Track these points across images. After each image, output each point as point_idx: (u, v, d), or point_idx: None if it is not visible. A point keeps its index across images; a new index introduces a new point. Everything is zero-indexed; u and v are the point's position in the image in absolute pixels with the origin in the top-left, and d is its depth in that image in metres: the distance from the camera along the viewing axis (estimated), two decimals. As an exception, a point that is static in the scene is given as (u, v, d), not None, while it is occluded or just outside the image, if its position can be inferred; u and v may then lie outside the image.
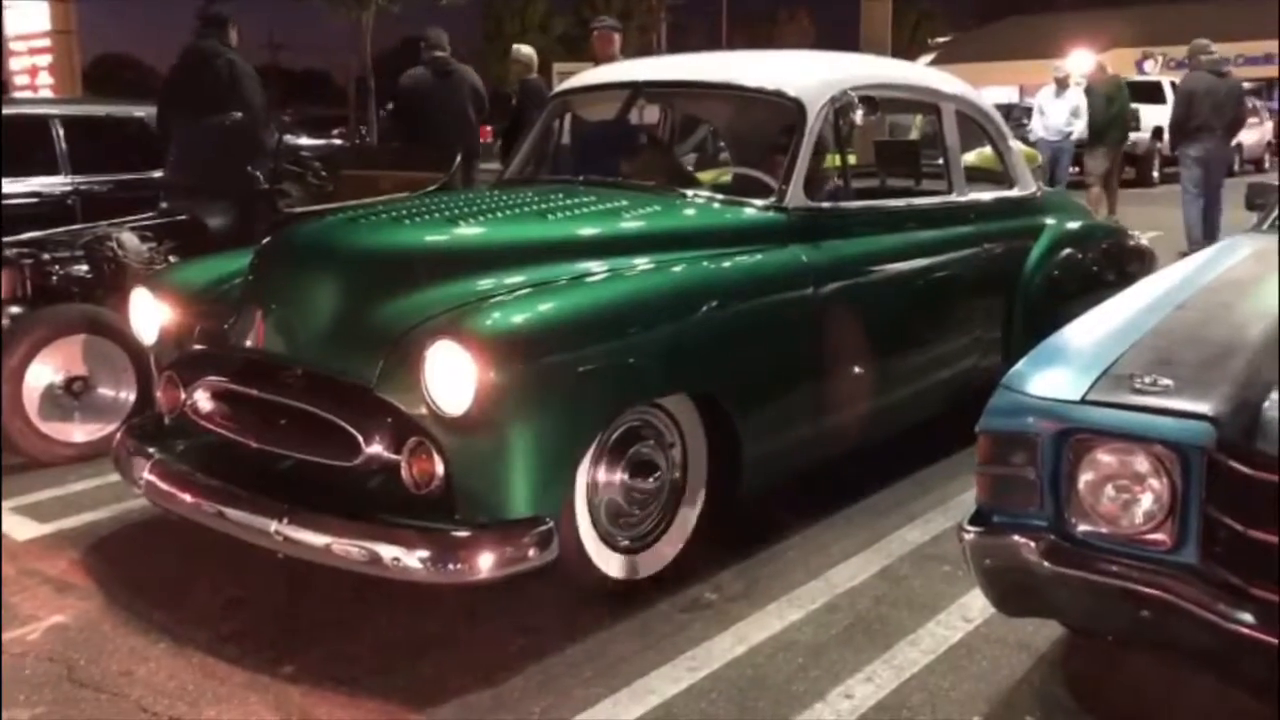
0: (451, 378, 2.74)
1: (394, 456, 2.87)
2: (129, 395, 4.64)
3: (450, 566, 2.74)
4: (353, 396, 2.95)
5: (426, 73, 7.59)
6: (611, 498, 3.15)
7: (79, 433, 4.58)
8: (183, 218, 5.38)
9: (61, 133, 6.93)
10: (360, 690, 2.78)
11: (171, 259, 5.11)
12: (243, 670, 2.87)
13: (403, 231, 3.37)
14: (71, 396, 4.56)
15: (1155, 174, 18.26)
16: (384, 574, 2.78)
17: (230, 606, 3.21)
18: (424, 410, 2.80)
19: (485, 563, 2.74)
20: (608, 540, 3.16)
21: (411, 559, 2.73)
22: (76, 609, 3.24)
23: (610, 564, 3.17)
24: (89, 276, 4.87)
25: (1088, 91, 12.14)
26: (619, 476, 3.15)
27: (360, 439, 2.88)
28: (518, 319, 2.91)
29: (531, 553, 2.80)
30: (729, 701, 2.74)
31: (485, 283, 3.08)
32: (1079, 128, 12.84)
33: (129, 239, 4.99)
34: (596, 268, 3.28)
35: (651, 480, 3.23)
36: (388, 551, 2.74)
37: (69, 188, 6.82)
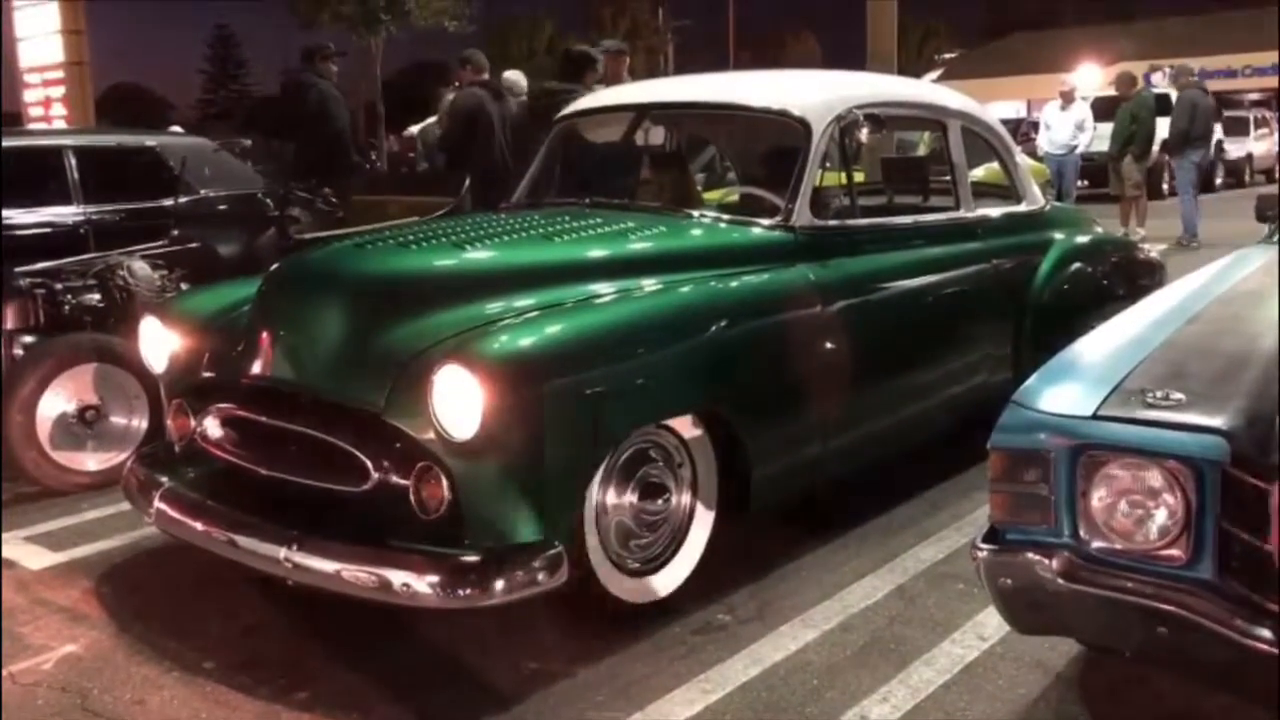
0: (459, 402, 2.74)
1: (402, 482, 2.86)
2: (141, 423, 4.65)
3: (460, 591, 2.73)
4: (361, 422, 2.95)
5: (485, 94, 7.62)
6: (621, 520, 3.15)
7: (92, 461, 4.60)
8: (194, 245, 5.41)
9: (73, 163, 6.98)
10: (373, 718, 2.77)
11: (183, 286, 5.14)
12: (255, 699, 2.86)
13: (409, 257, 3.38)
14: (84, 425, 4.58)
15: (1165, 186, 18.24)
16: (394, 600, 2.77)
17: (243, 634, 3.20)
18: (432, 435, 2.80)
19: (495, 587, 2.73)
20: (618, 563, 3.15)
21: (421, 584, 2.72)
22: (89, 638, 3.24)
23: (621, 587, 3.15)
24: (101, 305, 4.89)
25: (1117, 104, 12.27)
26: (628, 499, 3.14)
27: (369, 464, 2.89)
28: (525, 342, 2.91)
29: (541, 576, 2.78)
30: (743, 724, 2.72)
31: (492, 306, 3.08)
32: (1084, 141, 12.92)
33: (140, 267, 5.01)
34: (604, 289, 3.28)
35: (661, 502, 3.22)
36: (397, 577, 2.74)
37: (81, 217, 6.86)
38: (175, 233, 5.59)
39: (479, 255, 3.42)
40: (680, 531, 3.32)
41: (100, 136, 8.25)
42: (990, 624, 3.11)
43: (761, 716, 2.75)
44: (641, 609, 3.21)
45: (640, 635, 3.14)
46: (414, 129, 12.44)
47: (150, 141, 7.49)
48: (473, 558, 2.77)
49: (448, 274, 3.30)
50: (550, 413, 2.84)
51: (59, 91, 13.05)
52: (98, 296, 4.90)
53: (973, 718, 2.73)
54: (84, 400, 4.56)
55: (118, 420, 4.65)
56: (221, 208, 6.67)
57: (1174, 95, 18.72)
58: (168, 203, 6.35)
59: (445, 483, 2.80)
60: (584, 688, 2.89)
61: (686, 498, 3.32)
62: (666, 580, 3.28)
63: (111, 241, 5.71)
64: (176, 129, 14.24)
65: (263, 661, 3.04)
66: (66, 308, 4.81)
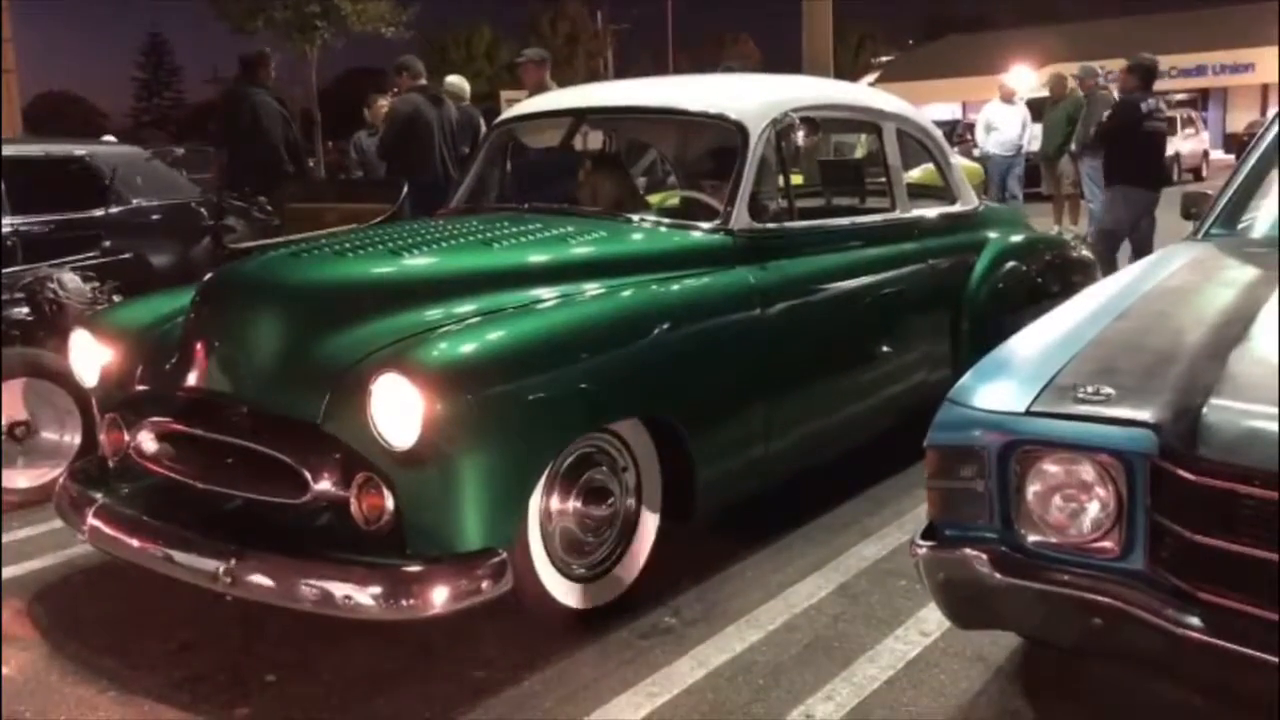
0: (398, 412, 2.71)
1: (342, 493, 2.83)
2: (73, 439, 4.55)
3: (403, 602, 2.70)
4: (299, 433, 2.91)
5: (422, 100, 7.55)
6: (565, 526, 3.14)
7: (22, 479, 4.48)
8: (126, 256, 5.32)
9: (-1, 173, 6.81)
10: (316, 731, 2.74)
11: (115, 299, 5.05)
12: (195, 716, 2.81)
13: (345, 264, 3.34)
14: (14, 441, 4.47)
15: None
16: (336, 612, 2.74)
17: (181, 651, 3.14)
18: (371, 445, 2.77)
19: (438, 597, 2.71)
20: (563, 569, 3.14)
21: (363, 596, 2.69)
22: (21, 659, 3.16)
23: (567, 593, 3.15)
24: (30, 319, 4.78)
25: (1051, 106, 12.33)
26: (572, 504, 3.14)
27: (308, 476, 2.85)
28: (464, 350, 2.89)
29: (485, 585, 2.77)
30: (690, 726, 2.73)
31: (431, 313, 3.06)
32: (1027, 140, 12.93)
33: (70, 279, 4.91)
34: (544, 295, 3.27)
35: (605, 506, 3.22)
36: (339, 589, 2.71)
37: (8, 229, 6.70)
38: (107, 244, 5.50)
39: (416, 262, 3.39)
40: (625, 536, 3.32)
41: (28, 146, 8.07)
42: (932, 619, 3.15)
43: (708, 718, 2.76)
44: (587, 614, 3.20)
45: (586, 640, 3.13)
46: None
47: (80, 151, 7.33)
48: (415, 568, 2.74)
49: (384, 281, 3.27)
50: (491, 421, 2.83)
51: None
52: (26, 310, 4.79)
53: (916, 713, 2.76)
54: (13, 416, 4.46)
55: (49, 436, 4.55)
56: (155, 218, 6.57)
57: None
58: (99, 213, 6.24)
59: (386, 493, 2.77)
60: (530, 695, 2.88)
61: (631, 501, 3.32)
62: (612, 585, 3.28)
63: (41, 253, 5.59)
64: (110, 138, 13.97)
65: (201, 678, 2.99)
66: (-6, 322, 4.70)
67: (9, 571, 3.80)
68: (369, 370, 2.80)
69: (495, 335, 3.00)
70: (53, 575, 3.76)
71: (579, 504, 3.15)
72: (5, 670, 3.10)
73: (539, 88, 7.44)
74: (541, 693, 2.89)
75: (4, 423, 4.44)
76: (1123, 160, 8.53)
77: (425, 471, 2.75)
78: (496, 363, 2.91)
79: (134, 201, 6.81)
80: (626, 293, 3.41)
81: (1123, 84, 8.66)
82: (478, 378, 2.83)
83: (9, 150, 7.23)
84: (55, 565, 3.83)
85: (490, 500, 2.83)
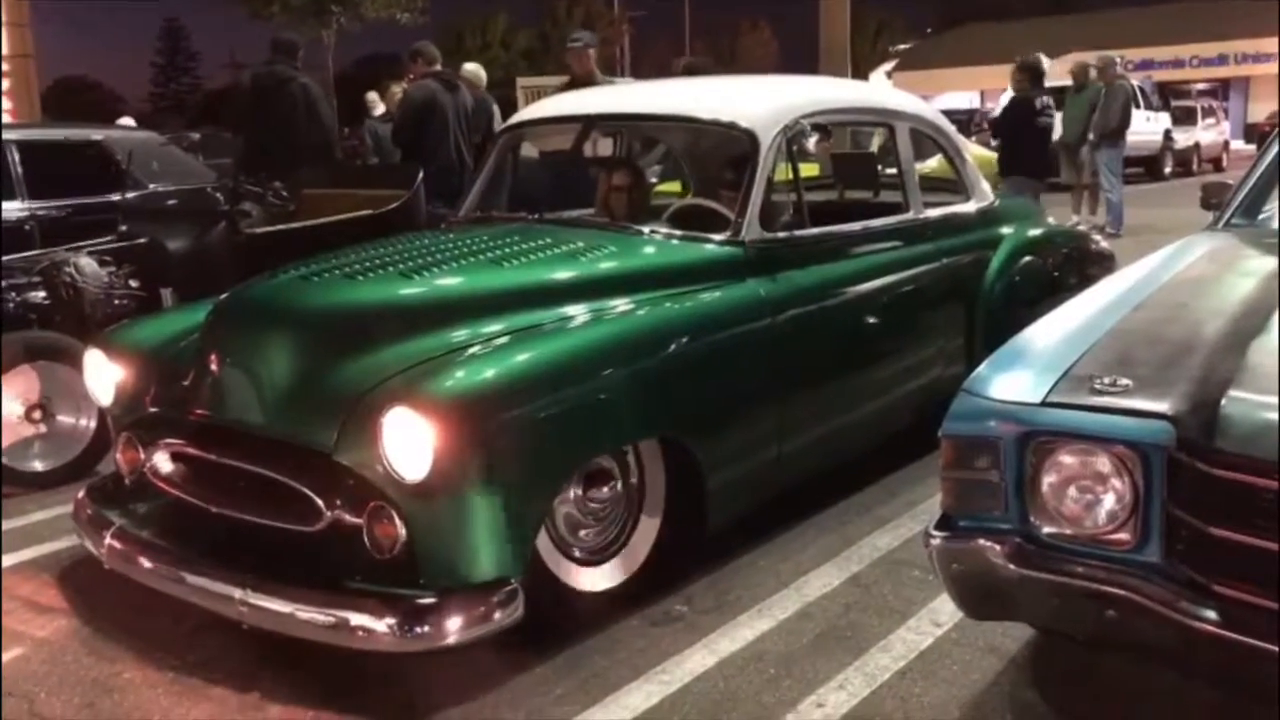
0: (409, 445, 2.69)
1: (355, 521, 2.80)
2: (90, 422, 4.57)
3: (417, 631, 2.69)
4: (311, 462, 2.90)
5: (437, 86, 7.55)
6: (568, 511, 3.13)
7: (39, 462, 4.52)
8: (142, 241, 5.33)
9: (17, 158, 6.85)
10: (330, 715, 2.75)
11: (131, 283, 5.06)
12: (210, 699, 2.84)
13: (356, 288, 3.27)
14: (30, 425, 4.49)
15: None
16: (351, 643, 2.73)
17: (196, 634, 3.15)
18: (383, 477, 2.76)
19: (452, 628, 2.70)
20: (567, 553, 3.13)
21: (378, 626, 2.69)
22: (38, 641, 3.19)
23: (572, 576, 3.14)
24: (47, 303, 4.81)
25: (1074, 94, 12.22)
26: (574, 490, 3.12)
27: (320, 504, 2.83)
28: (475, 381, 2.85)
29: (497, 615, 2.76)
30: (701, 715, 2.73)
31: (442, 338, 3.03)
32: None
33: (87, 264, 4.93)
34: (555, 316, 3.23)
35: (607, 489, 3.21)
36: (353, 619, 2.71)
37: (26, 213, 6.74)
38: (123, 228, 5.50)
39: (427, 285, 3.30)
40: (631, 519, 3.29)
41: (45, 131, 8.10)
42: (945, 610, 3.14)
43: (719, 707, 2.76)
44: (596, 598, 3.19)
45: (598, 627, 3.13)
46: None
47: (96, 136, 7.37)
48: (428, 599, 2.73)
49: (396, 306, 3.20)
50: (504, 452, 2.80)
51: (3, 85, 12.82)
52: (43, 294, 4.82)
53: (928, 703, 2.75)
54: (30, 400, 4.48)
55: (65, 419, 4.57)
56: (170, 203, 6.58)
57: (1132, 83, 18.92)
58: (115, 198, 6.26)
59: (398, 523, 2.75)
60: (541, 681, 2.89)
61: (634, 480, 3.29)
62: (620, 568, 3.26)
63: (58, 238, 5.62)
64: (129, 121, 14.00)
65: (216, 661, 3.01)
66: (11, 305, 4.72)
67: (27, 553, 3.84)
68: (380, 401, 2.78)
69: (508, 364, 2.95)
70: (68, 558, 3.77)
71: (579, 490, 3.14)
72: (21, 651, 3.12)
73: (586, 74, 7.41)
74: (553, 678, 2.89)
75: (20, 407, 4.46)
76: (1014, 153, 9.20)
77: (437, 503, 2.74)
78: (509, 394, 2.87)
79: (150, 186, 6.84)
80: (638, 313, 3.34)
81: (1015, 84, 9.45)
82: (490, 410, 2.80)
83: (29, 135, 7.27)
84: (70, 548, 3.84)
85: (503, 530, 2.81)
